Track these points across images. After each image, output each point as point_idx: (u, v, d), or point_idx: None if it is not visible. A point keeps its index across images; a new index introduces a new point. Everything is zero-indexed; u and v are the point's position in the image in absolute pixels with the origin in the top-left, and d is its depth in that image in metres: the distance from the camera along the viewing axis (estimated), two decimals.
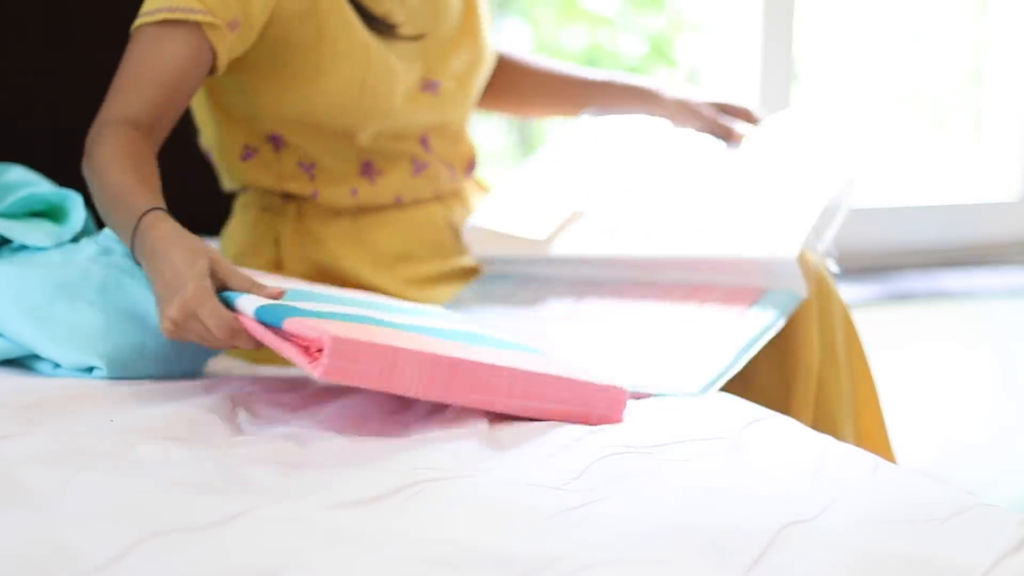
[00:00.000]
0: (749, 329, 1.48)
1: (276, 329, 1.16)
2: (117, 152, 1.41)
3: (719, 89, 2.57)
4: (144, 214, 1.33)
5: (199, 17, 1.47)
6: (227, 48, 1.50)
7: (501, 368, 1.19)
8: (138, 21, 1.50)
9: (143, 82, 1.47)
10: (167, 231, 1.30)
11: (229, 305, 1.23)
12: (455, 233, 1.72)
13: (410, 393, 1.14)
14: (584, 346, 1.52)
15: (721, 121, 1.74)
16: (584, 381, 1.24)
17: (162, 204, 1.35)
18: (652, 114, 1.79)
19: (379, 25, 1.59)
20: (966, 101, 2.89)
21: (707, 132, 1.75)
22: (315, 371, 1.11)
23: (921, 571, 0.96)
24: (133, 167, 1.40)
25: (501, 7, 2.55)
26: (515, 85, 1.84)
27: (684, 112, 1.77)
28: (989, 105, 2.83)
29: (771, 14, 2.52)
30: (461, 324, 1.36)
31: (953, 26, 2.83)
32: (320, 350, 1.12)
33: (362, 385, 1.13)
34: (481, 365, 1.18)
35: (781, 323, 1.49)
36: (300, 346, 1.14)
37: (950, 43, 2.84)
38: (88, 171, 1.44)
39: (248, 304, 1.20)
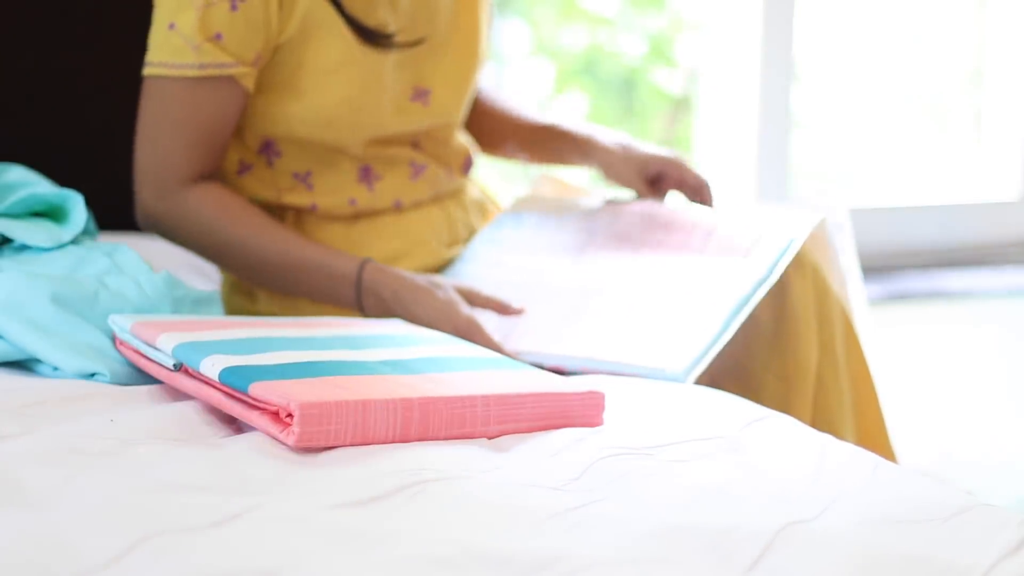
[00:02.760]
0: (739, 288, 1.50)
1: (242, 394, 1.16)
2: (233, 213, 1.55)
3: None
4: (362, 268, 1.53)
5: (231, 71, 1.51)
6: (254, 81, 1.55)
7: (475, 397, 1.18)
8: (159, 71, 1.51)
9: (194, 138, 1.53)
10: (396, 275, 1.53)
11: (191, 366, 1.22)
12: (451, 228, 1.70)
13: (387, 442, 1.14)
14: (575, 313, 1.54)
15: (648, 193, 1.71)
16: (560, 392, 1.23)
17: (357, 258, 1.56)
18: (586, 164, 1.75)
19: (374, 37, 1.57)
20: (966, 101, 2.89)
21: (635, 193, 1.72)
22: (288, 439, 1.10)
23: (921, 571, 0.96)
24: (270, 224, 1.56)
25: (501, 7, 2.55)
26: (474, 124, 1.80)
27: (618, 169, 1.71)
28: (989, 105, 2.83)
29: (771, 14, 2.52)
30: (432, 347, 1.35)
31: (952, 26, 2.83)
32: (290, 415, 1.11)
33: (338, 444, 1.12)
34: (454, 399, 1.17)
35: (774, 278, 1.52)
36: (269, 412, 1.13)
37: (949, 43, 2.84)
38: (175, 231, 1.56)
39: (212, 368, 1.19)
